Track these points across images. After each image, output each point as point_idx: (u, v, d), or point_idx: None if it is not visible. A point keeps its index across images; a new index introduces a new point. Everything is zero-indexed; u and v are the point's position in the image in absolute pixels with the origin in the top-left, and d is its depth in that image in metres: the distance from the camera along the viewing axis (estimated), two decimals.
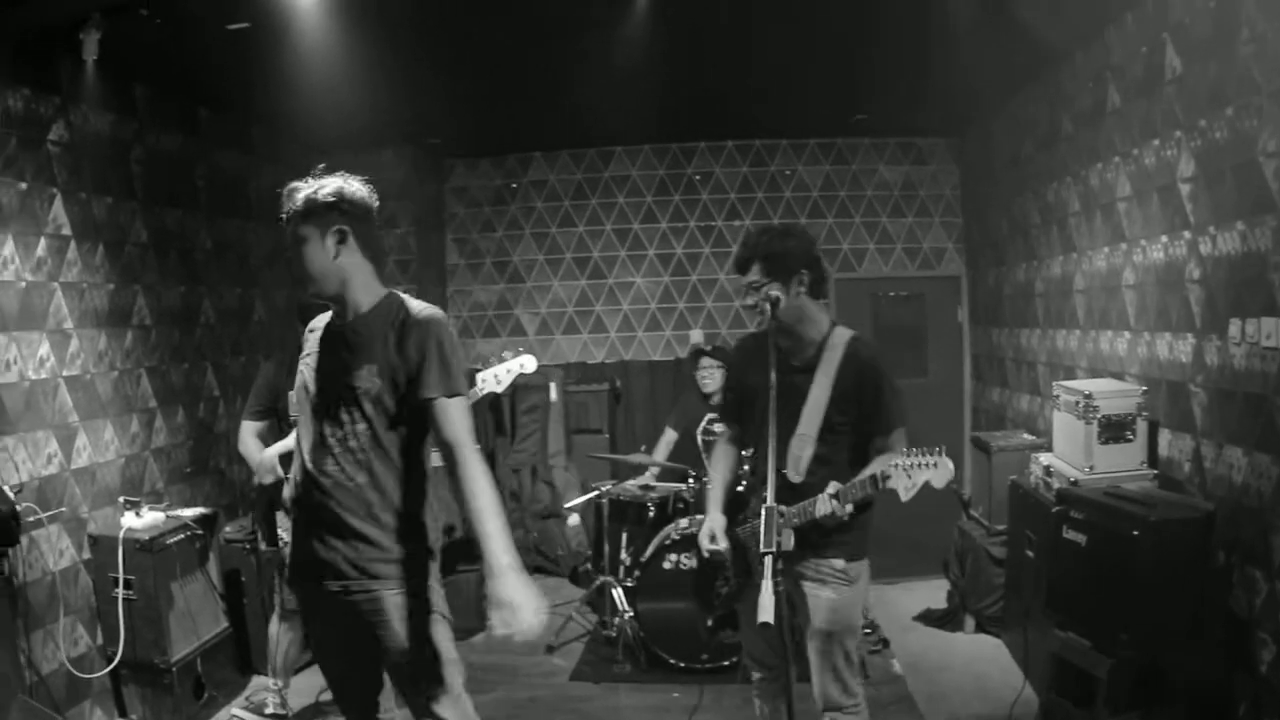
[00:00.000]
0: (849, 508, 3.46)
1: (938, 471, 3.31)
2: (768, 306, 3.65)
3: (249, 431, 5.14)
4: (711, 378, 7.24)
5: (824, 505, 3.48)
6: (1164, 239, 4.99)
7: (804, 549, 3.57)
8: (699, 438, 7.29)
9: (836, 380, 3.66)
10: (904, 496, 3.33)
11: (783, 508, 3.46)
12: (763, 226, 4.04)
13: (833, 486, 3.50)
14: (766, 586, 3.02)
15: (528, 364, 4.97)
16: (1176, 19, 4.80)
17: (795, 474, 3.65)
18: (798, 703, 3.31)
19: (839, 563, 3.65)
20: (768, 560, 3.09)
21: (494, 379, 4.90)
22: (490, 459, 8.74)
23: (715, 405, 7.33)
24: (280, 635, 5.15)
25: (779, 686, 3.88)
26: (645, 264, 9.54)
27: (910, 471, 3.31)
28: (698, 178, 9.45)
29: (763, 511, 3.24)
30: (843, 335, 3.75)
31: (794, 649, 3.81)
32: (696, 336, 9.37)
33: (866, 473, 3.46)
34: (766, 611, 2.97)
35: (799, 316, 3.74)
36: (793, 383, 3.68)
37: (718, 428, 7.23)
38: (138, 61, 5.68)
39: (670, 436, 7.46)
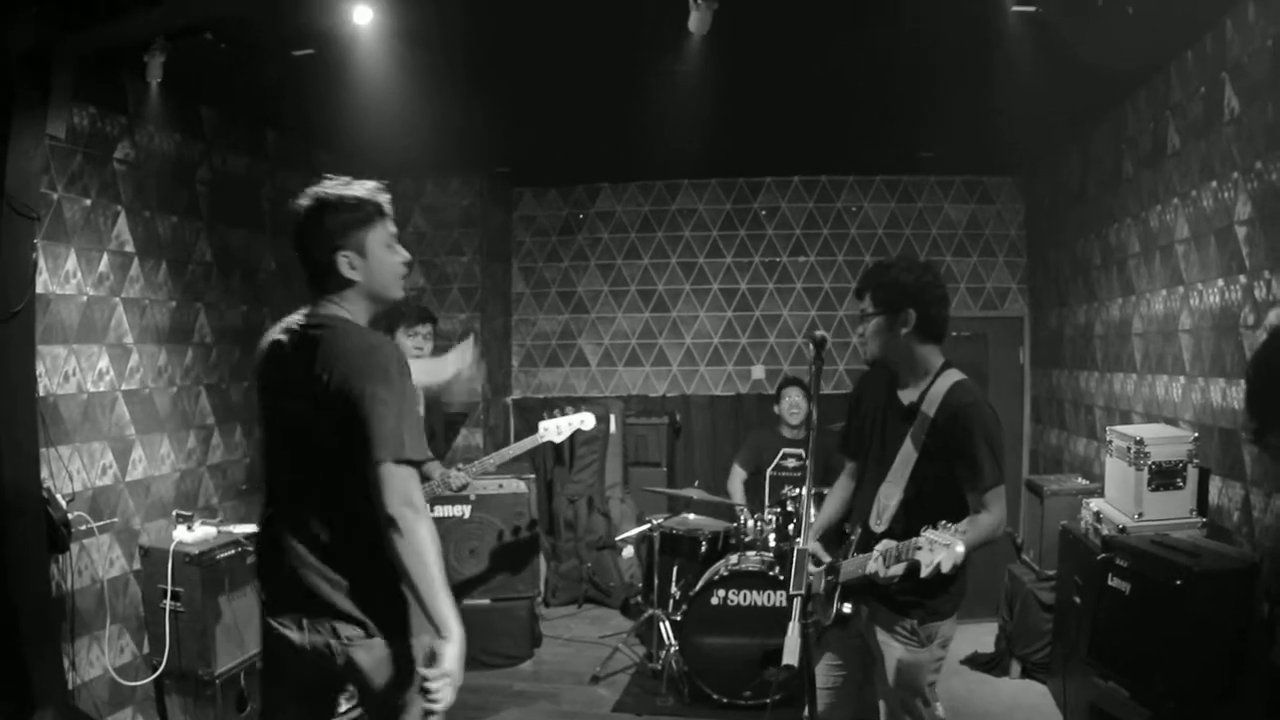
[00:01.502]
0: (893, 571, 3.28)
1: (948, 553, 3.10)
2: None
3: None
4: (798, 408, 7.20)
5: (871, 564, 3.37)
6: (1220, 283, 4.88)
7: (883, 601, 3.54)
8: (768, 475, 7.25)
9: (930, 428, 3.51)
10: (923, 572, 3.14)
11: (815, 548, 3.43)
12: (895, 258, 3.94)
13: (884, 544, 3.38)
14: (793, 628, 2.96)
15: (587, 421, 5.64)
16: (1235, 58, 4.72)
17: (877, 522, 3.57)
18: None
19: (911, 622, 3.52)
20: (796, 602, 3.03)
21: (555, 430, 5.54)
22: (548, 489, 8.82)
23: (792, 439, 7.30)
24: None
25: None
26: (709, 298, 9.51)
27: (933, 548, 3.13)
28: (763, 212, 9.41)
29: (794, 553, 3.16)
30: (947, 380, 3.57)
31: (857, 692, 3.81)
32: (758, 373, 9.34)
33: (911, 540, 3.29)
34: (791, 654, 2.94)
35: (903, 356, 3.63)
36: (892, 426, 3.62)
37: (791, 463, 7.23)
38: (204, 84, 5.85)
39: (741, 474, 7.42)
